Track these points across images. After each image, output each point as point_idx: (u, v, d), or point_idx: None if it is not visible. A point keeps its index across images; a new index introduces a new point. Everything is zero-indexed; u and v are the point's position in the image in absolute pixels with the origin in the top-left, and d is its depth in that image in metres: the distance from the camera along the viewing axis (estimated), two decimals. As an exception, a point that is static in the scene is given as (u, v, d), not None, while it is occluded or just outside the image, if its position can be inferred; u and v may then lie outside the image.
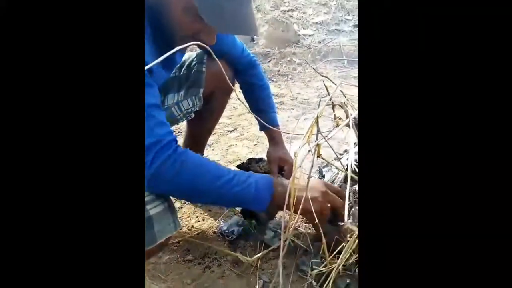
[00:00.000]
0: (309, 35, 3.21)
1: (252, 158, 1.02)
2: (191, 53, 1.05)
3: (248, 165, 1.00)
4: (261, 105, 1.05)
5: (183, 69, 1.01)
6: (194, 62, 1.01)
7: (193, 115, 1.02)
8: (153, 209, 0.63)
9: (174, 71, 1.00)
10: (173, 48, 0.80)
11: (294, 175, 0.53)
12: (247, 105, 1.04)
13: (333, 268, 0.69)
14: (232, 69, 1.01)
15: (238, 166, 1.04)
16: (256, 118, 1.00)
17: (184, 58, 1.02)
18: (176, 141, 0.65)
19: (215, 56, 0.52)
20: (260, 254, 0.79)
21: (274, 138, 1.04)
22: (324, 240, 0.64)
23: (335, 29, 3.29)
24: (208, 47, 0.49)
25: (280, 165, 0.97)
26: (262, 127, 1.07)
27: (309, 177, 0.63)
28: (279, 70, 2.61)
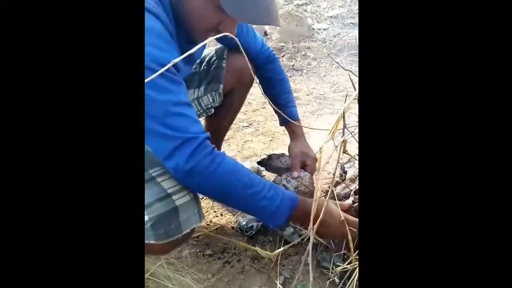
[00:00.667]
0: (324, 29, 3.16)
1: (273, 154, 1.01)
2: (211, 48, 1.05)
3: (268, 161, 0.99)
4: (280, 100, 1.03)
5: (203, 64, 1.01)
6: (214, 58, 1.00)
7: (212, 110, 1.02)
8: (179, 199, 0.64)
9: (194, 66, 1.00)
10: (195, 43, 0.79)
11: (320, 173, 0.51)
12: (269, 100, 1.03)
13: (357, 266, 0.67)
14: (252, 64, 1.00)
15: (258, 163, 1.03)
16: (276, 113, 0.99)
17: (204, 53, 1.02)
18: (210, 139, 0.66)
19: (241, 47, 0.51)
20: (281, 249, 0.78)
21: (295, 133, 1.03)
22: (350, 236, 0.63)
23: (351, 23, 3.23)
24: (235, 37, 0.48)
25: (302, 160, 0.96)
26: (283, 122, 1.05)
27: (334, 174, 0.62)
28: (293, 65, 2.59)
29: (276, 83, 1.04)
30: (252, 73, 0.68)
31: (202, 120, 1.20)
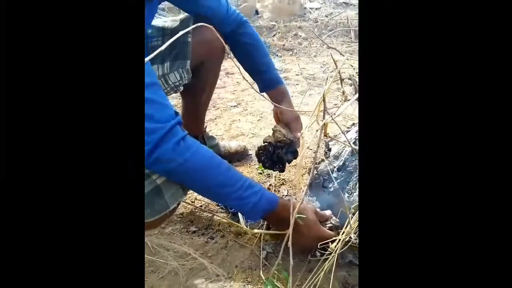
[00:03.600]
0: (316, 9, 3.10)
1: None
2: (175, 18, 0.94)
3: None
4: (260, 66, 0.93)
5: (165, 37, 0.91)
6: (178, 31, 0.93)
7: (181, 88, 0.94)
8: (159, 178, 0.63)
9: (155, 39, 0.90)
10: None
11: (302, 158, 0.51)
12: (242, 69, 0.91)
13: (339, 240, 0.69)
14: (220, 32, 0.93)
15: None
16: (254, 79, 0.91)
17: (167, 24, 0.92)
18: (182, 124, 0.62)
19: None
20: (263, 231, 0.79)
21: (278, 99, 0.92)
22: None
23: (343, 2, 3.17)
24: None
25: (288, 120, 0.90)
26: (263, 88, 0.95)
27: (314, 158, 0.62)
28: (284, 44, 2.55)
29: (251, 48, 0.93)
30: (223, 41, 0.61)
31: (175, 98, 1.11)
